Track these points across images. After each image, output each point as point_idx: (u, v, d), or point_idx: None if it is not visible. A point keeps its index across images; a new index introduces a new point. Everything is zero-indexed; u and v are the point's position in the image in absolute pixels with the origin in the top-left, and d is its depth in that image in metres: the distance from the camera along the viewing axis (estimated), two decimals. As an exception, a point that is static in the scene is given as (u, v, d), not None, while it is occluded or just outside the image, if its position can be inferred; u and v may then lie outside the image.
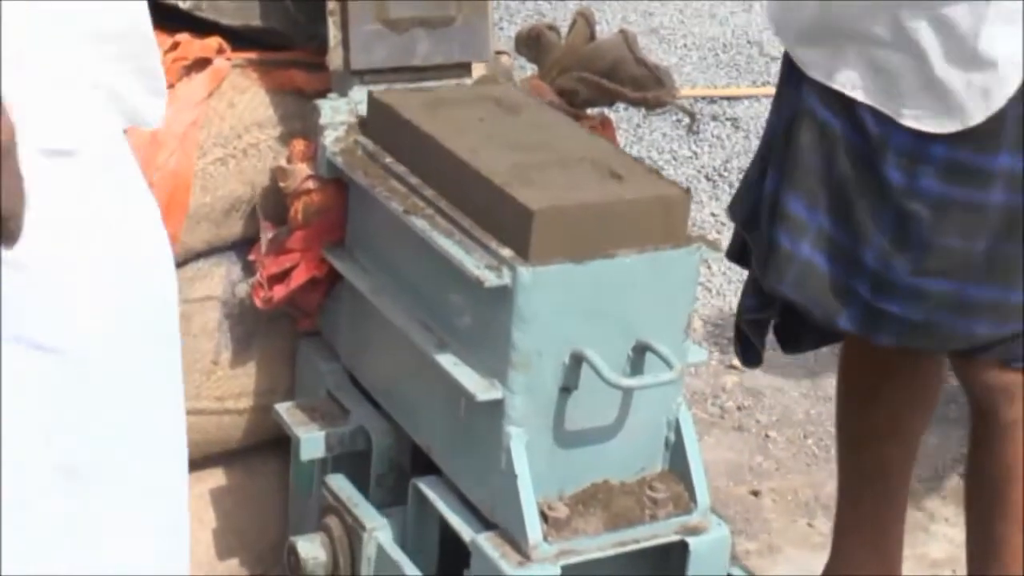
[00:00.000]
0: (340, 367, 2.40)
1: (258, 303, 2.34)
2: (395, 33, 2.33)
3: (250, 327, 2.42)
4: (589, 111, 2.54)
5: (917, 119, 2.28)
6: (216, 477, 2.51)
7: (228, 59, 2.38)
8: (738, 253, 2.60)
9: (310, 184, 2.31)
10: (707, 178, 4.86)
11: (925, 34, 2.24)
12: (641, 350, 2.06)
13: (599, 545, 2.06)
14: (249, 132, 2.38)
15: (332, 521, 2.25)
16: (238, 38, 2.41)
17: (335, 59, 2.31)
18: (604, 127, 2.50)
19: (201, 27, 2.39)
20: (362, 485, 2.28)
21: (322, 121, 2.29)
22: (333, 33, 2.30)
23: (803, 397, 3.71)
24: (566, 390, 2.04)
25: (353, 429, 2.32)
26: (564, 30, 2.62)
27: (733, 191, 3.22)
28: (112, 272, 1.60)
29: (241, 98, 2.38)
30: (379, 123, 2.28)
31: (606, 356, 2.01)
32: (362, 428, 2.31)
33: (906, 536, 2.82)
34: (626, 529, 2.08)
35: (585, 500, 2.08)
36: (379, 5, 2.31)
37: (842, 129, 2.36)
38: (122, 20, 1.60)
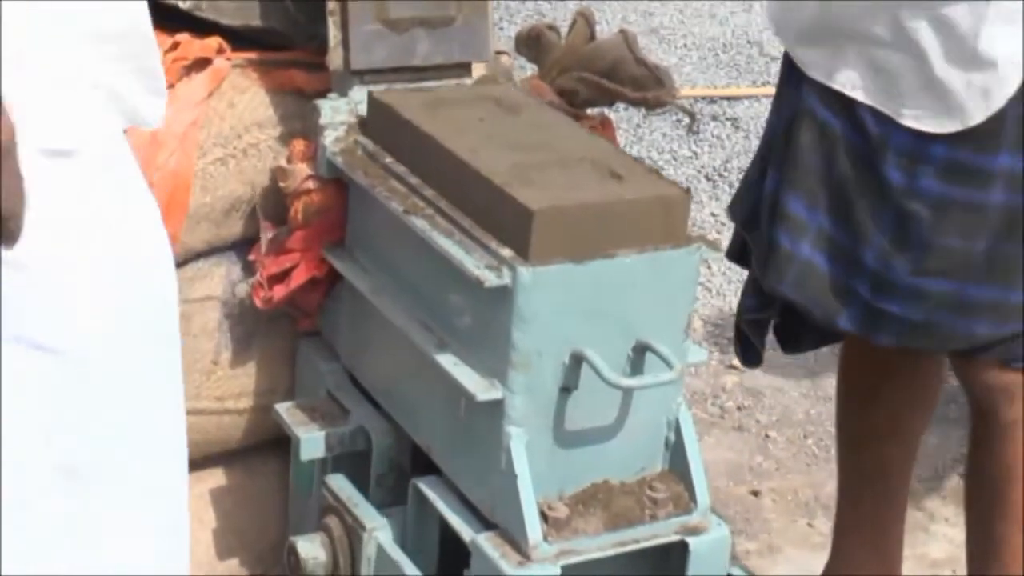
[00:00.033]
0: (340, 367, 2.40)
1: (258, 303, 2.34)
2: (395, 33, 2.33)
3: (250, 327, 2.42)
4: (589, 111, 2.54)
5: (917, 119, 2.28)
6: (216, 477, 2.51)
7: (228, 59, 2.38)
8: (738, 253, 2.60)
9: (310, 184, 2.31)
10: (707, 178, 4.86)
11: (925, 34, 2.24)
12: (641, 350, 2.06)
13: (599, 545, 2.06)
14: (249, 132, 2.38)
15: (332, 521, 2.25)
16: (238, 38, 2.41)
17: (335, 59, 2.31)
18: (604, 127, 2.50)
19: (201, 27, 2.39)
20: (362, 485, 2.28)
21: (322, 121, 2.29)
22: (333, 33, 2.30)
23: (803, 397, 3.71)
24: (566, 390, 2.04)
25: (353, 429, 2.32)
26: (564, 30, 2.62)
27: (733, 191, 3.22)
28: (112, 272, 1.60)
29: (241, 98, 2.38)
30: (379, 123, 2.28)
31: (606, 356, 2.01)
32: (362, 428, 2.31)
33: (906, 536, 2.82)
34: (626, 529, 2.08)
35: (585, 500, 2.08)
36: (379, 5, 2.31)
37: (842, 129, 2.36)
38: (122, 20, 1.60)
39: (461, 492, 2.14)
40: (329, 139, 2.29)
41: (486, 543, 2.05)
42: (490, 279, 1.98)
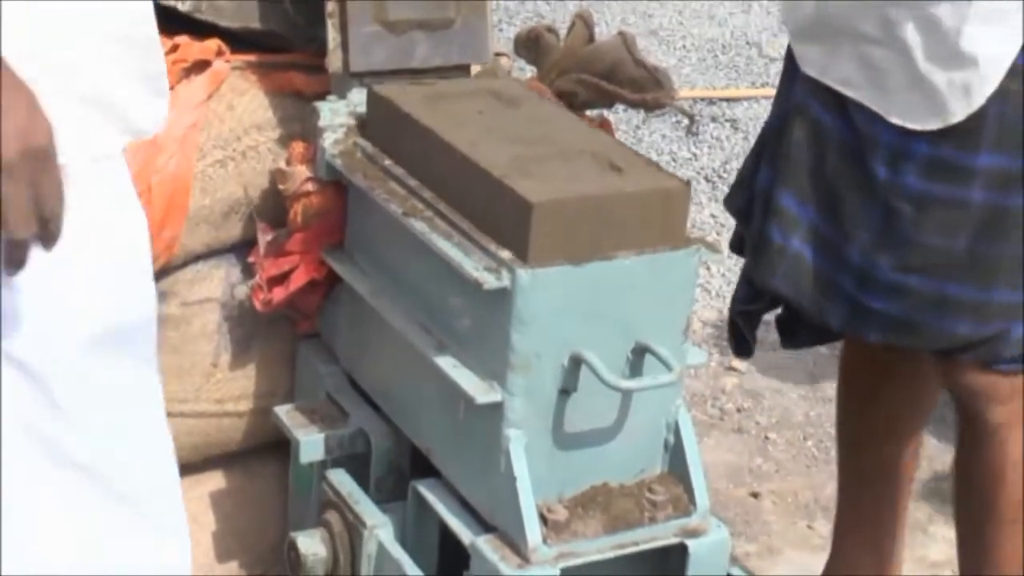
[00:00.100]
0: (339, 369, 2.40)
1: (257, 305, 2.34)
2: (394, 35, 2.33)
3: (249, 329, 2.42)
4: (588, 113, 2.54)
5: (903, 116, 2.29)
6: (216, 479, 2.51)
7: (227, 61, 2.38)
8: (739, 244, 2.61)
9: (309, 186, 2.31)
10: (706, 179, 4.86)
11: (911, 32, 2.25)
12: (640, 352, 2.06)
13: (598, 547, 2.06)
14: (248, 134, 2.38)
15: (332, 517, 2.25)
16: (237, 40, 2.41)
17: (334, 61, 2.31)
18: (603, 128, 2.50)
19: (200, 29, 2.39)
20: (361, 487, 2.28)
21: (321, 123, 2.29)
22: (332, 35, 2.30)
23: (802, 399, 3.72)
24: (565, 392, 2.04)
25: (352, 431, 2.32)
26: (563, 32, 2.61)
27: (732, 192, 3.21)
28: (96, 287, 1.61)
29: (240, 100, 2.38)
30: (379, 118, 2.28)
31: (605, 358, 2.01)
32: (361, 431, 2.31)
33: (906, 538, 2.82)
34: (625, 531, 2.08)
35: (584, 502, 2.08)
36: (378, 7, 2.31)
37: (834, 125, 2.37)
38: (127, 20, 1.60)
39: (460, 494, 2.14)
40: (328, 141, 2.29)
41: (485, 545, 2.05)
42: (489, 281, 1.98)
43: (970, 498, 2.55)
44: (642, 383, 2.05)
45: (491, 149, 2.10)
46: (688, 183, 2.11)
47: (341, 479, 2.27)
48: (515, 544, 2.03)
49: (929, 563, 3.15)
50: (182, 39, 2.35)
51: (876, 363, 2.65)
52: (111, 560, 1.66)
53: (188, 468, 2.48)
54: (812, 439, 3.56)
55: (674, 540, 2.11)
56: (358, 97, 2.32)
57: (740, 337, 2.63)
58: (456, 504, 2.14)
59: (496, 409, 2.02)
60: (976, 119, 2.24)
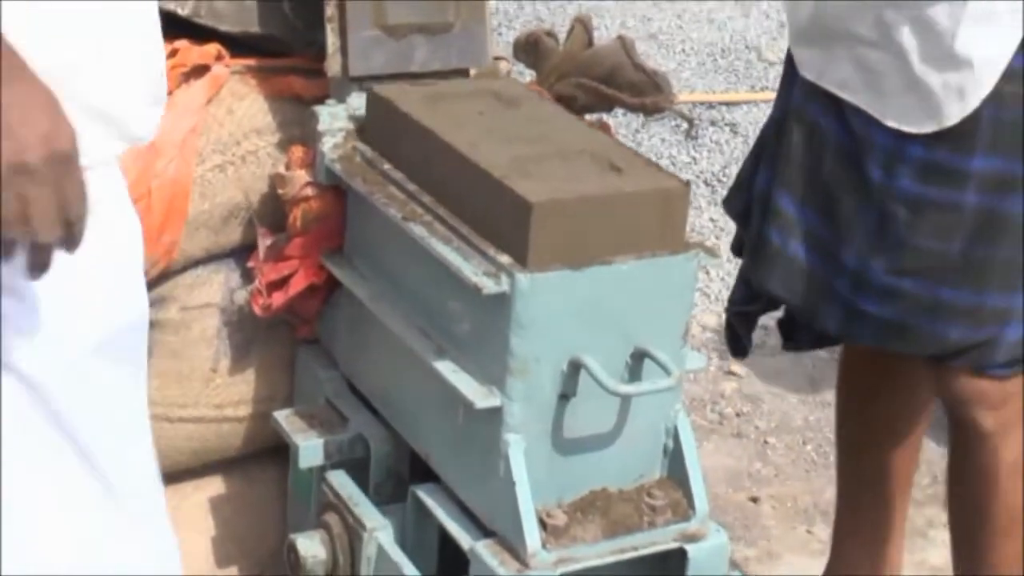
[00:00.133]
0: (339, 374, 2.40)
1: (257, 310, 2.34)
2: (393, 39, 2.33)
3: (249, 334, 2.42)
4: (587, 117, 2.54)
5: (898, 119, 2.29)
6: (215, 485, 2.50)
7: (227, 66, 2.38)
8: (740, 247, 2.61)
9: (309, 191, 2.31)
10: (706, 183, 4.86)
11: (906, 34, 2.25)
12: (639, 357, 2.06)
13: (598, 552, 2.06)
14: (248, 139, 2.37)
15: (332, 519, 2.25)
16: (237, 44, 2.41)
17: (333, 65, 2.31)
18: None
19: (200, 33, 2.39)
20: (361, 492, 2.28)
21: (320, 127, 2.29)
22: (331, 39, 2.30)
23: (802, 403, 3.71)
24: (564, 397, 2.03)
25: (352, 436, 2.32)
26: (562, 36, 2.62)
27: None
28: (91, 291, 1.61)
29: (240, 105, 2.38)
30: (378, 118, 2.28)
31: (604, 363, 2.01)
32: (361, 436, 2.31)
33: (905, 542, 2.82)
34: (625, 536, 2.08)
35: (584, 507, 2.08)
36: (377, 11, 2.31)
37: (831, 128, 2.38)
38: (130, 25, 1.60)
39: (460, 499, 2.14)
40: (327, 146, 2.29)
41: (485, 550, 2.05)
42: (488, 286, 1.97)
43: (964, 505, 2.55)
44: (641, 388, 2.05)
45: (491, 149, 2.10)
46: (688, 183, 2.11)
47: (341, 481, 2.27)
48: (514, 549, 2.03)
49: (929, 567, 3.15)
50: (181, 43, 2.35)
51: (875, 366, 2.65)
52: (110, 561, 1.68)
53: (188, 473, 2.48)
54: (811, 443, 3.56)
55: (673, 545, 2.11)
56: (357, 101, 2.32)
57: (736, 337, 2.64)
58: (455, 509, 2.14)
59: (495, 414, 2.02)
60: (971, 122, 2.25)
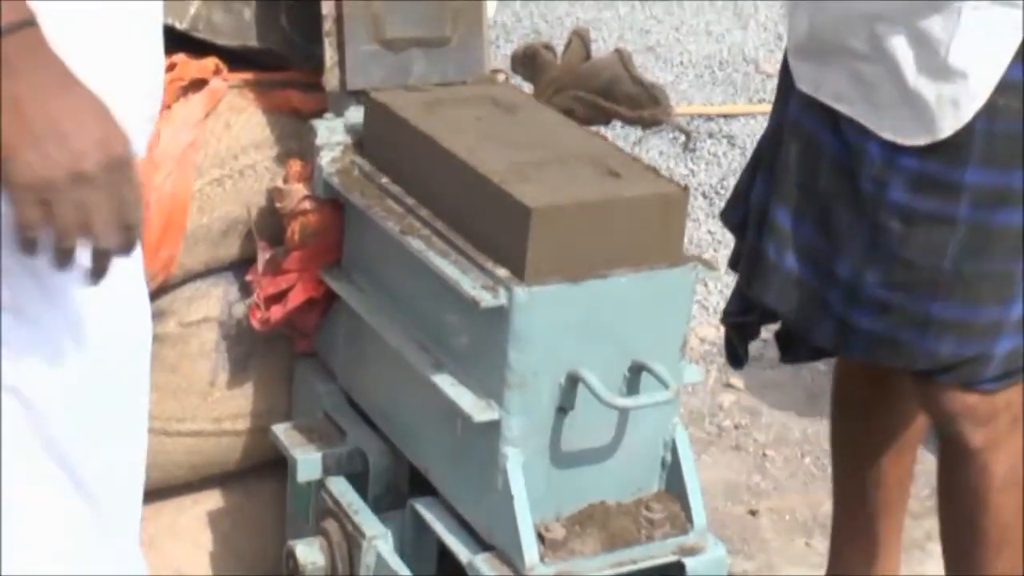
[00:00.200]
0: (337, 388, 2.40)
1: (255, 324, 2.34)
2: (391, 53, 2.33)
3: (247, 348, 2.42)
4: (585, 130, 2.54)
5: (894, 132, 2.29)
6: (214, 498, 2.50)
7: (225, 80, 2.38)
8: (737, 260, 2.61)
9: (307, 204, 2.31)
10: (704, 196, 4.86)
11: (899, 46, 2.26)
12: (637, 370, 2.06)
13: (596, 566, 2.06)
14: (246, 153, 2.38)
15: (331, 526, 2.25)
16: (235, 58, 2.41)
17: (331, 79, 2.31)
18: (600, 144, 2.51)
19: (198, 47, 2.39)
20: (359, 506, 2.28)
21: (318, 141, 2.29)
22: (329, 53, 2.30)
23: (800, 416, 3.71)
24: (562, 410, 2.03)
25: (350, 450, 2.32)
26: (560, 49, 2.62)
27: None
28: (91, 306, 1.62)
29: (238, 119, 2.39)
30: (377, 124, 2.27)
31: (602, 376, 2.01)
32: (359, 449, 2.31)
33: (903, 555, 2.82)
34: (623, 550, 2.08)
35: (582, 521, 2.08)
36: (375, 25, 2.31)
37: (827, 140, 2.38)
38: (131, 37, 1.60)
39: (458, 513, 2.14)
40: (325, 159, 2.29)
41: (483, 564, 2.05)
42: (486, 299, 1.97)
43: (955, 521, 2.54)
44: (639, 401, 2.05)
45: (489, 155, 2.10)
46: (686, 188, 2.11)
47: (341, 488, 2.27)
48: (513, 563, 2.03)
49: (927, 580, 3.15)
50: (179, 57, 2.35)
51: (869, 378, 2.65)
52: (110, 562, 1.70)
53: (186, 487, 2.48)
54: (810, 456, 3.56)
55: (672, 558, 2.11)
56: (355, 115, 2.32)
57: (733, 348, 2.64)
58: (454, 523, 2.14)
59: (493, 427, 2.02)
60: (964, 134, 2.25)
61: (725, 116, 5.49)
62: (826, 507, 3.03)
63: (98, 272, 1.52)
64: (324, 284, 2.33)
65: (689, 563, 2.11)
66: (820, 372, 3.67)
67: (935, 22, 2.22)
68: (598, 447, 2.08)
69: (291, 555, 2.26)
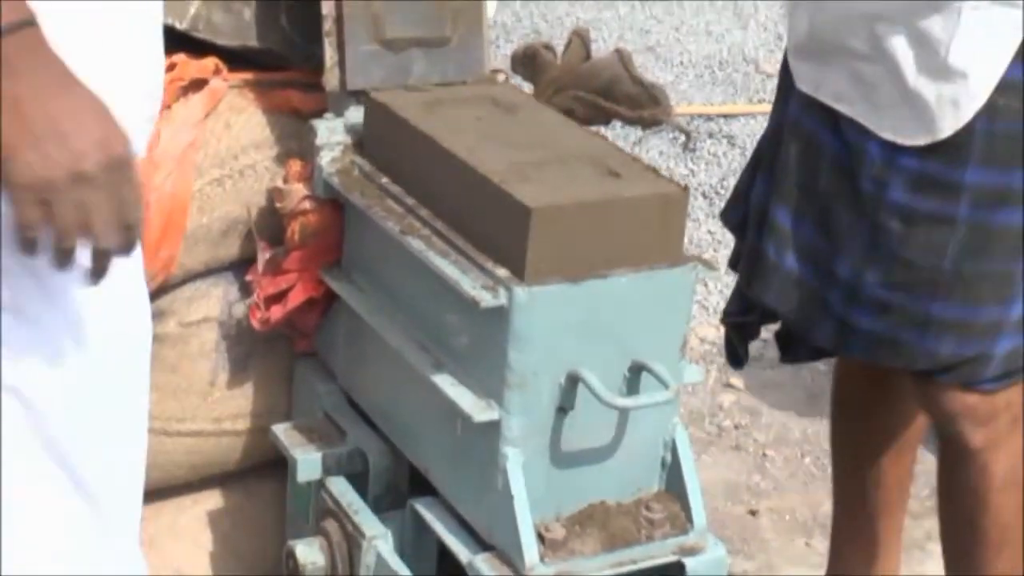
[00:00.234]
0: (337, 388, 2.40)
1: (255, 324, 2.34)
2: (391, 53, 2.33)
3: (247, 348, 2.42)
4: (585, 130, 2.54)
5: (894, 131, 2.29)
6: (214, 498, 2.50)
7: (225, 80, 2.38)
8: (737, 260, 2.61)
9: (307, 204, 2.31)
10: (704, 196, 4.86)
11: (899, 46, 2.26)
12: (637, 370, 2.06)
13: (596, 566, 2.06)
14: (246, 153, 2.38)
15: (331, 526, 2.25)
16: (235, 58, 2.41)
17: (331, 79, 2.31)
18: (600, 145, 2.51)
19: (198, 47, 2.39)
20: (359, 506, 2.28)
21: (318, 141, 2.29)
22: (329, 53, 2.30)
23: (800, 416, 3.71)
24: (562, 410, 2.03)
25: (350, 450, 2.32)
26: (560, 49, 2.62)
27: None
28: (91, 306, 1.62)
29: (238, 119, 2.39)
30: (377, 124, 2.27)
31: (602, 376, 2.01)
32: (359, 449, 2.31)
33: (902, 555, 2.82)
34: (623, 550, 2.08)
35: (582, 521, 2.08)
36: (375, 25, 2.31)
37: (827, 140, 2.38)
38: (131, 38, 1.61)
39: (458, 513, 2.14)
40: (325, 159, 2.29)
41: (483, 564, 2.05)
42: (486, 299, 1.98)
43: (955, 521, 2.54)
44: (639, 401, 2.05)
45: (489, 155, 2.10)
46: (686, 188, 2.11)
47: (341, 488, 2.27)
48: (513, 563, 2.03)
49: (927, 580, 3.15)
50: (179, 57, 2.35)
51: (869, 378, 2.65)
52: (110, 564, 1.70)
53: (186, 487, 2.48)
54: (810, 456, 3.56)
55: (672, 558, 2.11)
56: (355, 115, 2.32)
57: (734, 348, 2.64)
58: (454, 523, 2.14)
59: (493, 427, 2.02)
60: (964, 134, 2.25)
61: (725, 116, 5.49)
62: (826, 507, 3.04)
63: (98, 272, 1.52)
64: (324, 284, 2.33)
65: (689, 563, 2.11)
66: (820, 372, 3.67)
67: (935, 22, 2.22)
68: (598, 447, 2.08)
69: (291, 555, 2.26)
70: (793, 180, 2.42)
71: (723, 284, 4.11)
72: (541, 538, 2.03)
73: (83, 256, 1.51)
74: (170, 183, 2.29)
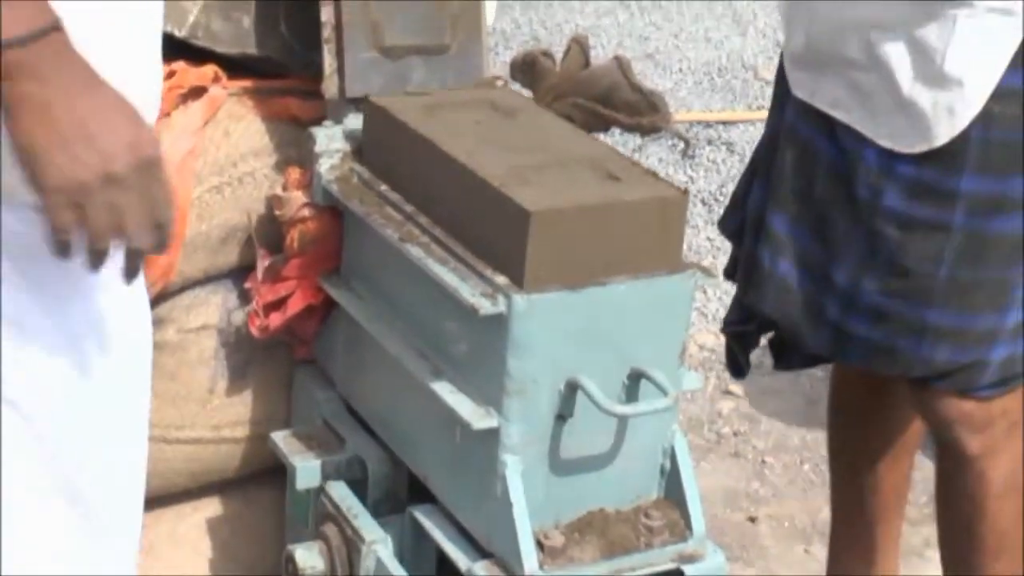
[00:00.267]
0: (336, 395, 2.40)
1: (254, 331, 2.34)
2: (390, 61, 2.33)
3: (246, 355, 2.42)
4: (584, 137, 2.54)
5: (891, 139, 2.29)
6: (213, 506, 2.50)
7: (224, 87, 2.38)
8: (734, 270, 2.61)
9: (306, 212, 2.31)
10: (703, 202, 4.86)
11: (894, 54, 2.26)
12: (636, 377, 2.06)
13: (595, 573, 2.06)
14: (245, 160, 2.38)
15: (330, 530, 2.25)
16: (234, 66, 2.42)
17: (330, 87, 2.31)
18: (599, 152, 2.51)
19: (197, 55, 2.39)
20: (358, 513, 2.28)
21: (317, 149, 2.29)
22: (328, 61, 2.30)
23: (799, 423, 3.71)
24: (561, 418, 2.03)
25: (349, 457, 2.32)
26: (559, 56, 2.62)
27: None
28: (90, 314, 1.62)
29: (237, 126, 2.39)
30: (375, 127, 2.27)
31: (601, 383, 2.01)
32: (358, 456, 2.31)
33: (901, 561, 2.82)
34: (622, 557, 2.08)
35: (581, 528, 2.08)
36: (374, 33, 2.31)
37: (823, 147, 2.38)
38: (130, 47, 1.61)
39: (457, 520, 2.14)
40: (324, 167, 2.29)
41: (482, 572, 2.05)
42: (485, 307, 1.98)
43: (953, 528, 2.55)
44: (638, 408, 2.05)
45: (488, 158, 2.10)
46: (686, 191, 2.11)
47: (341, 493, 2.27)
48: (512, 570, 2.03)
49: (926, 587, 3.15)
50: (179, 65, 2.35)
51: (866, 385, 2.65)
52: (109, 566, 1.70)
53: (185, 495, 2.48)
54: (809, 463, 3.56)
55: (671, 565, 2.11)
56: (354, 122, 2.32)
57: (735, 357, 2.64)
58: (453, 530, 2.14)
59: (492, 435, 2.02)
60: (960, 142, 2.25)
61: (724, 123, 5.49)
62: (825, 514, 3.04)
63: (131, 271, 1.54)
64: (323, 291, 2.33)
65: (688, 570, 2.10)
66: (819, 379, 3.67)
67: (931, 30, 2.23)
68: (597, 454, 2.08)
69: (290, 559, 2.26)
70: (789, 186, 2.42)
71: (722, 291, 4.11)
72: (540, 545, 2.03)
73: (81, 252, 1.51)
74: (169, 190, 2.29)
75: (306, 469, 2.29)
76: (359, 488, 2.31)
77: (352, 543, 2.21)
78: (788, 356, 2.63)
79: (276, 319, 2.33)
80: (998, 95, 2.23)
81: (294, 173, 2.33)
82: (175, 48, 2.36)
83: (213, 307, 2.40)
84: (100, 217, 1.46)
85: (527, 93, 2.64)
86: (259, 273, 2.34)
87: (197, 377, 2.39)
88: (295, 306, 2.33)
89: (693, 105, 5.67)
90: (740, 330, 2.59)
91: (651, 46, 6.24)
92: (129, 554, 1.77)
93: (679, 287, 2.07)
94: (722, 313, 4.09)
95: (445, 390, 2.07)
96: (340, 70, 2.30)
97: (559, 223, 1.98)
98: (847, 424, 2.73)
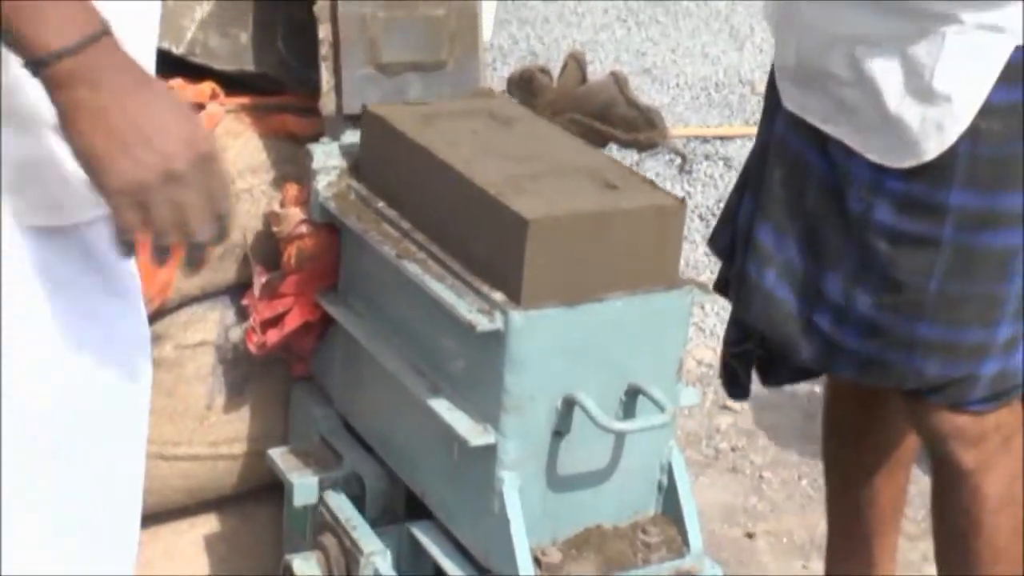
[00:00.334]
0: (333, 412, 2.40)
1: (252, 348, 2.34)
2: (387, 77, 2.34)
3: (244, 372, 2.42)
4: (581, 154, 2.55)
5: (880, 154, 2.30)
6: (210, 523, 2.50)
7: (221, 104, 2.39)
8: (723, 285, 2.62)
9: (303, 229, 2.31)
10: (700, 218, 4.87)
11: (880, 70, 2.27)
12: (633, 393, 2.06)
13: (593, 589, 2.06)
14: (242, 177, 2.38)
15: (329, 541, 2.24)
16: (231, 83, 2.42)
17: (328, 103, 2.32)
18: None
19: (194, 72, 2.39)
20: (356, 529, 2.28)
21: (315, 165, 2.30)
22: (326, 78, 2.31)
23: (797, 438, 3.71)
24: (559, 434, 2.03)
25: (346, 474, 2.31)
26: (556, 72, 2.63)
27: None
28: (89, 324, 1.62)
29: (234, 143, 2.39)
30: (373, 137, 2.27)
31: (598, 400, 2.01)
32: (355, 473, 2.31)
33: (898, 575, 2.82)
34: (619, 573, 2.08)
35: (578, 545, 2.07)
36: (371, 49, 2.32)
37: (814, 160, 2.39)
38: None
39: (454, 537, 2.14)
40: (322, 183, 2.29)
41: (480, 588, 2.05)
42: (482, 323, 1.98)
43: (948, 542, 2.55)
44: (635, 425, 2.05)
45: (485, 167, 2.10)
46: (683, 200, 2.11)
47: (339, 503, 2.27)
48: (509, 587, 2.03)
49: (924, 602, 3.15)
50: (176, 82, 2.35)
51: (860, 399, 2.66)
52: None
53: (182, 511, 2.48)
54: (807, 478, 3.56)
55: (668, 582, 2.11)
56: (351, 139, 2.33)
57: (734, 379, 2.63)
58: (450, 546, 2.14)
59: (490, 451, 2.02)
60: (948, 157, 2.26)
61: (721, 138, 5.50)
62: (823, 529, 3.04)
63: (195, 262, 1.58)
64: (320, 308, 2.33)
65: (686, 586, 2.11)
66: (817, 394, 3.67)
67: (920, 47, 2.23)
68: (594, 471, 2.08)
69: (288, 569, 2.26)
70: (778, 199, 2.43)
71: (719, 306, 4.11)
72: (537, 562, 2.03)
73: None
74: (167, 207, 2.29)
75: (303, 486, 2.29)
76: (357, 504, 2.30)
77: (350, 554, 2.21)
78: (776, 372, 2.63)
79: (273, 336, 2.33)
80: (986, 111, 2.24)
81: (291, 190, 2.33)
82: (172, 65, 2.36)
83: (211, 324, 2.40)
84: (164, 215, 1.49)
85: (524, 109, 2.64)
86: (256, 290, 2.34)
87: (194, 394, 2.39)
88: (292, 323, 2.33)
89: (690, 120, 5.68)
90: (740, 350, 2.59)
91: (648, 61, 6.25)
92: (126, 569, 1.77)
93: (676, 303, 2.07)
94: (720, 328, 4.10)
95: (442, 407, 2.07)
96: (337, 87, 2.31)
97: (557, 231, 1.98)
98: (841, 439, 2.74)
